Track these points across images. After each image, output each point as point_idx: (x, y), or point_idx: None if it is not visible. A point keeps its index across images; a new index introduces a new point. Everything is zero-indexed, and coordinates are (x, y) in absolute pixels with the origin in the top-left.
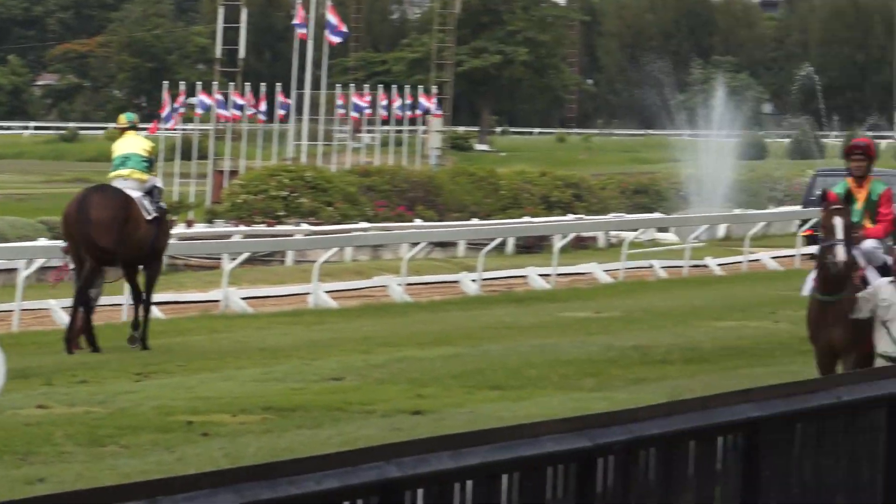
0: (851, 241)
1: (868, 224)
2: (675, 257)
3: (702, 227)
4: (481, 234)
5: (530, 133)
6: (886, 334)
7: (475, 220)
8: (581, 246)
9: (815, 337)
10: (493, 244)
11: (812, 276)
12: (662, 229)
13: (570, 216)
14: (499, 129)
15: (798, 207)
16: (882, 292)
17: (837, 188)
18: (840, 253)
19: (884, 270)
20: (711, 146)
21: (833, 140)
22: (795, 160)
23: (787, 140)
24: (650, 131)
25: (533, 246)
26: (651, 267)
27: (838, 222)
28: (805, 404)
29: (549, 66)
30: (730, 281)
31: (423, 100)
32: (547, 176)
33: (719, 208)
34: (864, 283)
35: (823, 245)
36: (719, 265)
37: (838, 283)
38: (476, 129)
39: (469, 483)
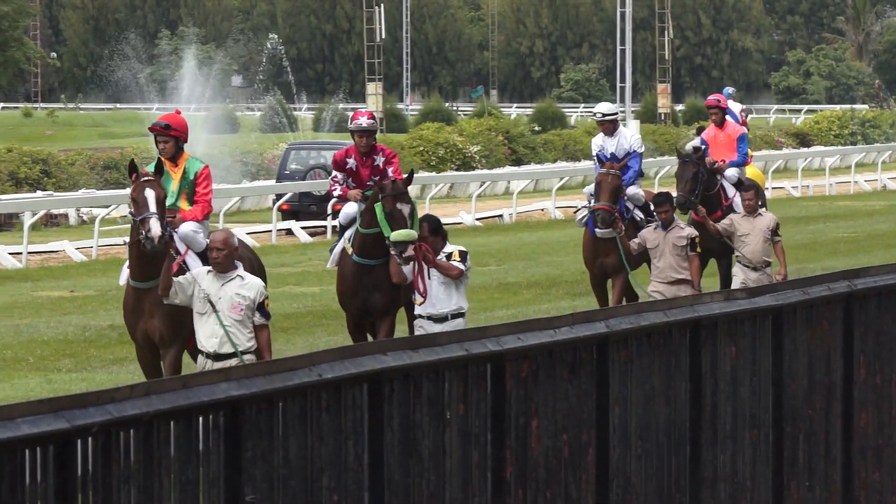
0: (165, 213)
1: (185, 205)
2: None
3: None
4: None
5: None
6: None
7: None
8: (52, 224)
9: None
10: None
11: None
12: None
13: (40, 193)
14: None
15: (272, 182)
16: (202, 280)
17: (149, 167)
18: (155, 227)
19: (203, 256)
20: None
21: (304, 113)
22: (267, 134)
23: (258, 113)
24: (119, 105)
25: (2, 223)
26: (125, 244)
27: (150, 195)
28: (286, 382)
29: (11, 38)
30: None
31: None
32: (14, 152)
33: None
34: (184, 269)
35: (137, 219)
36: None
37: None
38: None
39: None
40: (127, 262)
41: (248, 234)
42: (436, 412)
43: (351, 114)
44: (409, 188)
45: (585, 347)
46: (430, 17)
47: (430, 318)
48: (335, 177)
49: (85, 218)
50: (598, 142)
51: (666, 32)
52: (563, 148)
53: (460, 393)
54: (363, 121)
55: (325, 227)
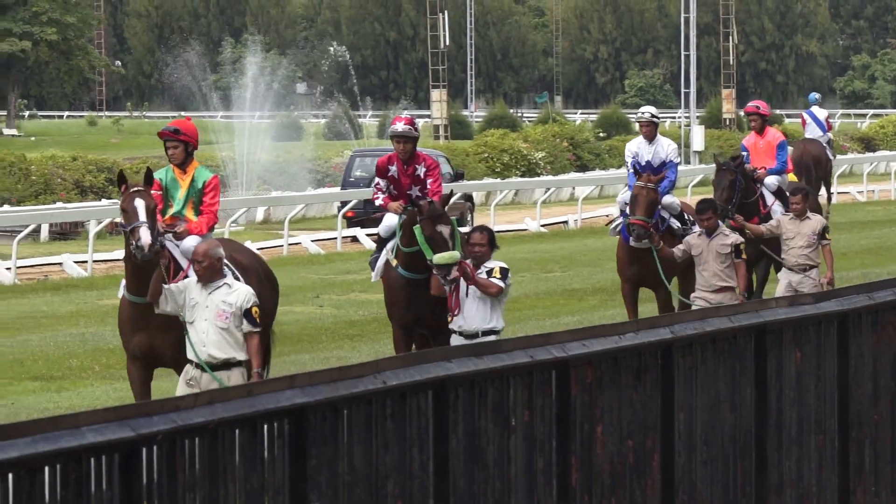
0: (156, 222)
1: (191, 214)
2: None
3: (240, 210)
4: (14, 221)
5: (60, 117)
6: None
7: (6, 207)
8: (117, 231)
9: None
10: (27, 231)
11: None
12: None
13: (105, 201)
14: (27, 113)
15: (337, 189)
16: (191, 290)
17: (159, 173)
18: (145, 236)
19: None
20: (246, 127)
21: (369, 120)
22: (332, 141)
23: (323, 121)
24: (183, 113)
25: (68, 232)
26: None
27: (140, 204)
28: (351, 389)
29: (76, 47)
30: (271, 265)
31: None
32: (79, 160)
33: (256, 191)
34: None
35: (127, 229)
36: (259, 249)
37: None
38: (3, 113)
39: (9, 477)
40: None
41: (313, 241)
42: (501, 419)
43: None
44: (475, 195)
45: (650, 353)
46: (494, 24)
47: (461, 333)
48: (378, 184)
49: None
50: (633, 148)
51: (730, 37)
52: None
53: (525, 399)
54: (399, 126)
55: None
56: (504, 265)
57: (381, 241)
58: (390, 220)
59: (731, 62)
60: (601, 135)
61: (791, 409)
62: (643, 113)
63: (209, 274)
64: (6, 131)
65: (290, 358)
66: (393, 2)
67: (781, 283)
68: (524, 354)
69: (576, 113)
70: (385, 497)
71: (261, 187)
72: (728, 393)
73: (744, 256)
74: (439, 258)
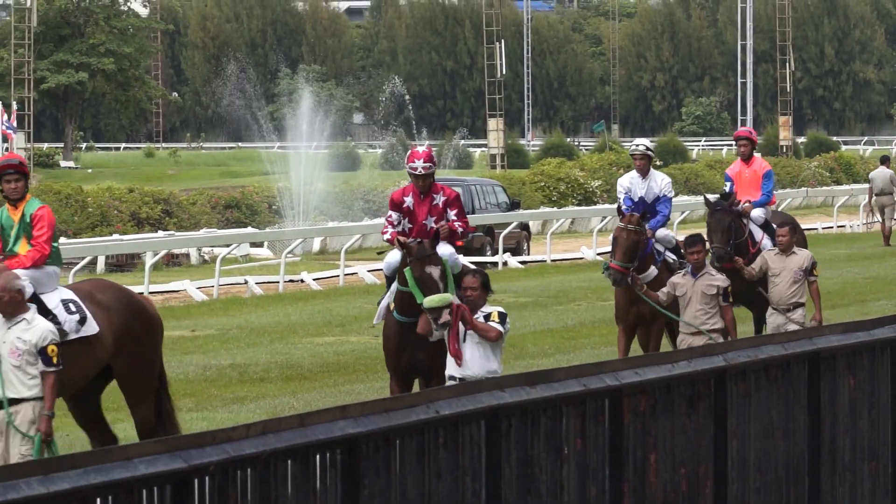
0: None
1: (23, 251)
2: (270, 272)
3: (296, 241)
4: (70, 253)
5: (117, 148)
6: None
7: (63, 239)
8: (173, 263)
9: None
10: (83, 263)
11: None
12: (256, 244)
13: (161, 233)
14: (84, 145)
15: None
16: None
17: None
18: None
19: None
20: (302, 158)
21: None
22: (388, 171)
23: (379, 150)
24: (240, 144)
25: (124, 264)
26: (246, 283)
27: None
28: (404, 419)
29: (133, 78)
30: (327, 295)
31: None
32: (135, 192)
33: (313, 221)
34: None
35: None
36: (315, 280)
37: None
38: (60, 145)
39: None
40: None
41: (369, 271)
42: (553, 447)
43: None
44: (531, 223)
45: (703, 381)
46: (550, 53)
47: (461, 379)
48: (390, 216)
49: (206, 257)
50: (626, 184)
51: (787, 64)
52: (685, 182)
53: (578, 428)
54: (419, 164)
55: None
56: (502, 310)
57: (388, 281)
58: (393, 257)
59: (788, 89)
60: (658, 163)
61: (844, 436)
62: (637, 146)
63: (10, 308)
64: (63, 163)
65: (344, 388)
66: (450, 31)
67: (769, 326)
68: (577, 383)
69: (633, 141)
70: None
71: (317, 218)
72: (781, 420)
73: (730, 300)
74: (429, 301)
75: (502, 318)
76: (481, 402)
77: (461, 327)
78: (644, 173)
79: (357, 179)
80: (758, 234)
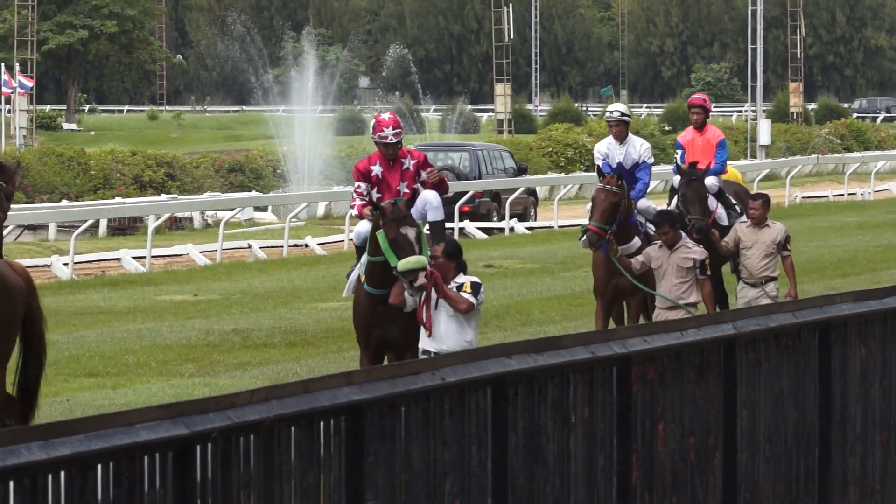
0: None
1: None
2: (274, 237)
3: (300, 205)
4: (72, 217)
5: (120, 111)
6: None
7: (65, 202)
8: (176, 227)
9: None
10: (85, 226)
11: None
12: (260, 208)
13: (164, 196)
14: (87, 108)
15: None
16: None
17: None
18: None
19: None
20: (307, 122)
21: (431, 115)
22: None
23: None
24: (244, 107)
25: (127, 227)
26: (249, 247)
27: None
28: (409, 386)
29: (137, 40)
30: (331, 260)
31: (6, 77)
32: (138, 155)
33: (318, 186)
34: None
35: None
36: (320, 244)
37: None
38: (63, 107)
39: (62, 475)
40: None
41: None
42: (560, 416)
43: (373, 121)
44: (539, 189)
45: (713, 349)
46: (558, 17)
47: (436, 353)
48: (358, 188)
49: (209, 221)
50: (603, 149)
51: (798, 30)
52: None
53: (585, 396)
54: (388, 132)
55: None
56: (476, 280)
57: (359, 252)
58: (364, 227)
59: (799, 55)
60: (666, 129)
61: (855, 406)
62: (612, 111)
63: None
64: (66, 126)
65: (348, 354)
66: None
67: (740, 301)
68: (585, 350)
69: (641, 107)
70: (443, 495)
71: (322, 182)
72: (791, 389)
73: (708, 272)
74: (404, 263)
75: (475, 288)
76: (487, 370)
77: (434, 295)
78: (621, 139)
79: (362, 144)
80: (712, 202)
